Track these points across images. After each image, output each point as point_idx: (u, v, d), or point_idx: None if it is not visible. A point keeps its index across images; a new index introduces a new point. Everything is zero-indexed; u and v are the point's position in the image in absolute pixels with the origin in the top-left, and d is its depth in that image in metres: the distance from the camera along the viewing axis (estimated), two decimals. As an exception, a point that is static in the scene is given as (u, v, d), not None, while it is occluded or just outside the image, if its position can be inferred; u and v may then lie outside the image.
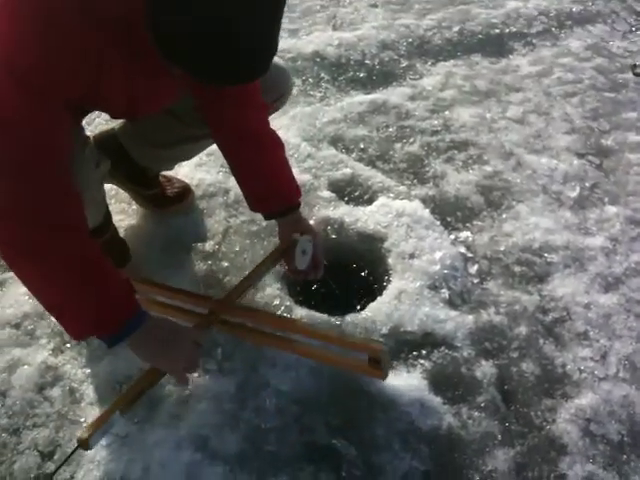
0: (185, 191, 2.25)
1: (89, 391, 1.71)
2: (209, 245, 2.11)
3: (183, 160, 2.17)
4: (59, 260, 1.28)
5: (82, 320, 1.34)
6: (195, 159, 2.34)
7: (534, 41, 3.50)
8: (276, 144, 1.81)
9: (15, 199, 1.23)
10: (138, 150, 2.01)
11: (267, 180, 1.79)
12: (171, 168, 2.19)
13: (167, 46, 1.14)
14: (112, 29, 1.19)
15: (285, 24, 3.38)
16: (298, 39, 3.25)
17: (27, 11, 1.12)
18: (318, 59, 3.14)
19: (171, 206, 2.20)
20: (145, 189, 2.15)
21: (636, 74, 3.16)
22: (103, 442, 1.60)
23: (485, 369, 1.83)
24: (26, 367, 1.75)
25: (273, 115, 2.68)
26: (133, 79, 1.37)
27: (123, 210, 2.20)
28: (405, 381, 1.77)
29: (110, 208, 2.09)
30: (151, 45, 1.14)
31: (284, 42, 3.19)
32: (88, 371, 1.76)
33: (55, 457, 1.59)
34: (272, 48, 1.20)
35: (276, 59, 1.90)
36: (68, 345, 1.81)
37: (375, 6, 3.65)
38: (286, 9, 3.43)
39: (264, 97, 1.77)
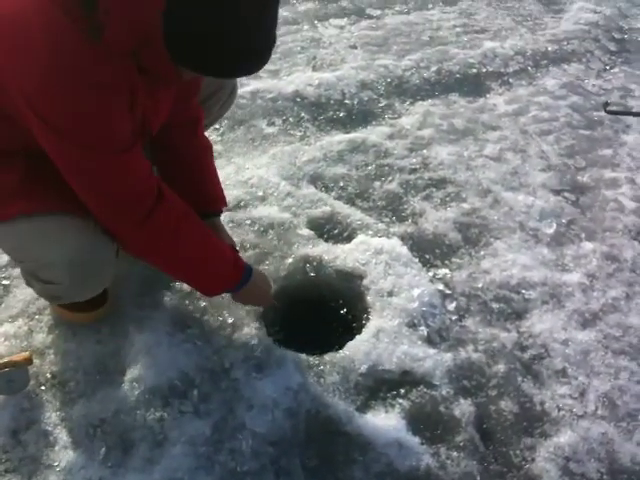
0: None
1: (63, 435, 1.68)
2: (186, 284, 2.10)
3: None
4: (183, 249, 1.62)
5: (215, 286, 1.78)
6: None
7: (510, 80, 3.57)
8: (210, 145, 1.95)
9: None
10: None
11: (201, 183, 1.89)
12: None
13: (184, 55, 1.29)
14: (131, 60, 1.34)
15: (266, 65, 3.44)
16: (279, 79, 3.29)
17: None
18: (298, 99, 3.17)
19: None
20: None
21: (608, 112, 3.22)
22: (77, 487, 1.58)
23: (464, 408, 1.82)
24: (-1, 410, 1.72)
25: (254, 153, 2.73)
26: (145, 98, 1.46)
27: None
28: (383, 421, 1.76)
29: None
30: (155, 64, 1.33)
31: (265, 82, 3.24)
32: (62, 414, 1.73)
33: (27, 503, 1.57)
34: (271, 44, 1.34)
35: None
36: (43, 388, 1.78)
37: (354, 47, 3.72)
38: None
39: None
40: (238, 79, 2.13)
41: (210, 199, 1.91)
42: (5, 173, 1.50)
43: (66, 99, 1.29)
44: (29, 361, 1.76)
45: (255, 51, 1.31)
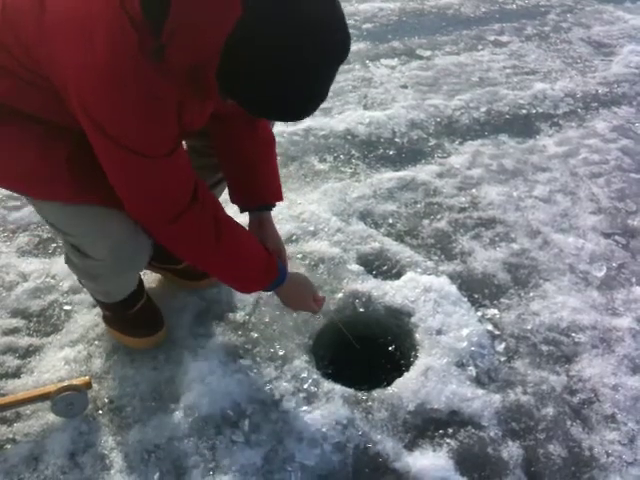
0: None
1: (118, 459, 1.74)
2: (240, 316, 2.16)
3: None
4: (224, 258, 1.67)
5: (243, 287, 1.81)
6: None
7: (560, 122, 3.58)
8: (273, 139, 1.92)
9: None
10: None
11: (259, 175, 1.89)
12: None
13: (234, 92, 1.31)
14: (184, 78, 1.34)
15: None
16: (331, 118, 3.38)
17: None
18: (349, 137, 3.25)
19: (203, 279, 2.26)
20: (173, 264, 2.22)
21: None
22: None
23: (512, 450, 1.82)
24: (59, 432, 1.79)
25: (306, 189, 2.79)
26: (193, 109, 1.49)
27: (157, 279, 2.27)
28: (431, 460, 1.77)
29: (144, 278, 2.18)
30: (211, 84, 1.32)
31: (317, 120, 3.32)
32: (119, 439, 1.79)
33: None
34: (320, 100, 1.33)
35: None
36: (100, 412, 1.85)
37: (405, 87, 3.79)
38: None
39: None
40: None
41: (263, 192, 1.92)
42: (55, 148, 1.51)
43: (118, 106, 1.31)
44: (88, 385, 1.83)
45: (310, 100, 1.32)
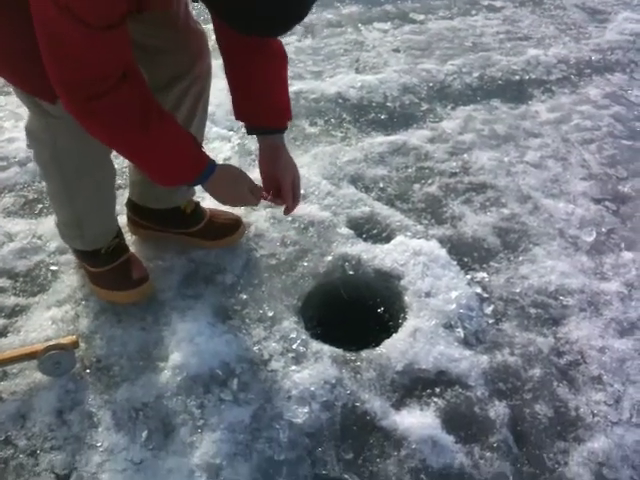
0: (237, 222, 2.28)
1: (106, 417, 1.74)
2: (228, 277, 2.15)
3: None
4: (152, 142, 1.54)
5: (173, 179, 1.68)
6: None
7: (553, 88, 3.55)
8: (284, 55, 1.77)
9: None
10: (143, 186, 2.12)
11: (266, 91, 1.77)
12: None
13: None
14: None
15: (309, 66, 3.52)
16: (322, 81, 3.34)
17: None
18: (341, 100, 3.21)
19: (223, 238, 2.25)
20: (188, 228, 2.22)
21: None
22: (118, 467, 1.63)
23: (498, 409, 1.84)
24: (46, 391, 1.78)
25: (296, 152, 2.77)
26: None
27: (144, 241, 2.26)
28: (418, 418, 1.78)
29: (131, 240, 2.17)
30: None
31: (308, 84, 3.28)
32: (106, 397, 1.79)
33: (71, 480, 1.62)
34: (295, 17, 1.25)
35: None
36: (87, 371, 1.85)
37: (397, 51, 3.75)
38: (311, 52, 3.56)
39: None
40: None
41: (267, 110, 1.78)
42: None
43: None
44: (75, 344, 1.83)
45: (285, 12, 1.22)
